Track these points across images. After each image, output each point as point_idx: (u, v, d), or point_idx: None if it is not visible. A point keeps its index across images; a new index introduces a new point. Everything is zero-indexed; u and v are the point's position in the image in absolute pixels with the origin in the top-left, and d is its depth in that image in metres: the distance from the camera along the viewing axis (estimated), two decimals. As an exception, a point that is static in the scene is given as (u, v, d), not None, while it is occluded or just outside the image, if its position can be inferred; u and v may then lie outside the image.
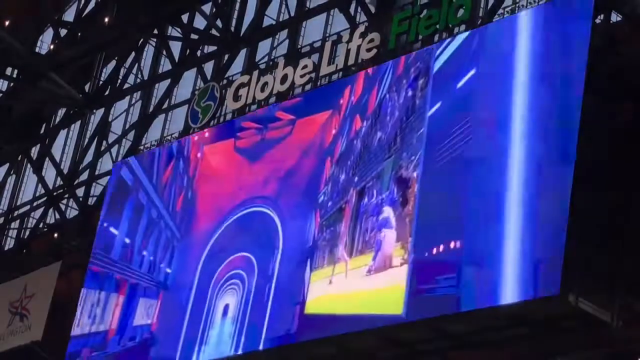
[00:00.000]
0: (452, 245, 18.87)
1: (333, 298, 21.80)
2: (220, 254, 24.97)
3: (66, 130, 34.57)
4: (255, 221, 24.82)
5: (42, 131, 35.69)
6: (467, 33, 20.19)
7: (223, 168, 26.92)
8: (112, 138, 32.22)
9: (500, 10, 20.88)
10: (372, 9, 25.30)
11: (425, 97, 20.82)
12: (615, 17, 19.40)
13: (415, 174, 20.48)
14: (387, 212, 20.94)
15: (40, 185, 34.33)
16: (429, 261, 19.22)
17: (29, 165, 35.69)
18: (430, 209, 19.90)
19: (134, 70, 32.14)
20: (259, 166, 25.45)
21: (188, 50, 30.29)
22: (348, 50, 22.12)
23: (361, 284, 21.06)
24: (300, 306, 22.31)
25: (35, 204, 34.41)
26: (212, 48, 29.51)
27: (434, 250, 19.25)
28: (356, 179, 22.23)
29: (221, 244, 25.31)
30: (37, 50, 34.66)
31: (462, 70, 20.01)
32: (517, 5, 20.36)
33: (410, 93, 21.36)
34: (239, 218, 25.30)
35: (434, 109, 20.52)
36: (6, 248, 34.26)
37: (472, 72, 19.82)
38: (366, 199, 21.78)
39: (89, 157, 32.55)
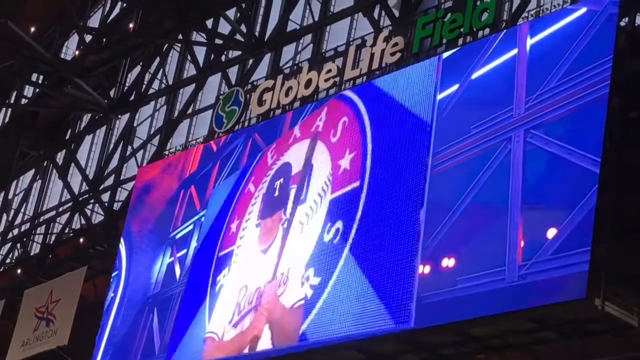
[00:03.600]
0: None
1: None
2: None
3: (91, 135, 34.75)
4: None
5: (67, 137, 35.88)
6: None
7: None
8: (137, 143, 32.34)
9: (525, 14, 20.76)
10: (396, 13, 25.26)
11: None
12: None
13: None
14: None
15: (65, 191, 34.47)
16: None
17: (54, 171, 35.89)
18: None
19: (159, 76, 32.23)
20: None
21: (212, 55, 30.34)
22: (372, 54, 22.05)
23: None
24: None
25: (60, 209, 34.58)
26: (237, 53, 29.53)
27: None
28: None
29: None
30: (62, 56, 34.83)
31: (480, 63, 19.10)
32: (541, 8, 20.25)
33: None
34: None
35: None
36: (32, 253, 34.42)
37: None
38: None
39: (114, 162, 32.67)
